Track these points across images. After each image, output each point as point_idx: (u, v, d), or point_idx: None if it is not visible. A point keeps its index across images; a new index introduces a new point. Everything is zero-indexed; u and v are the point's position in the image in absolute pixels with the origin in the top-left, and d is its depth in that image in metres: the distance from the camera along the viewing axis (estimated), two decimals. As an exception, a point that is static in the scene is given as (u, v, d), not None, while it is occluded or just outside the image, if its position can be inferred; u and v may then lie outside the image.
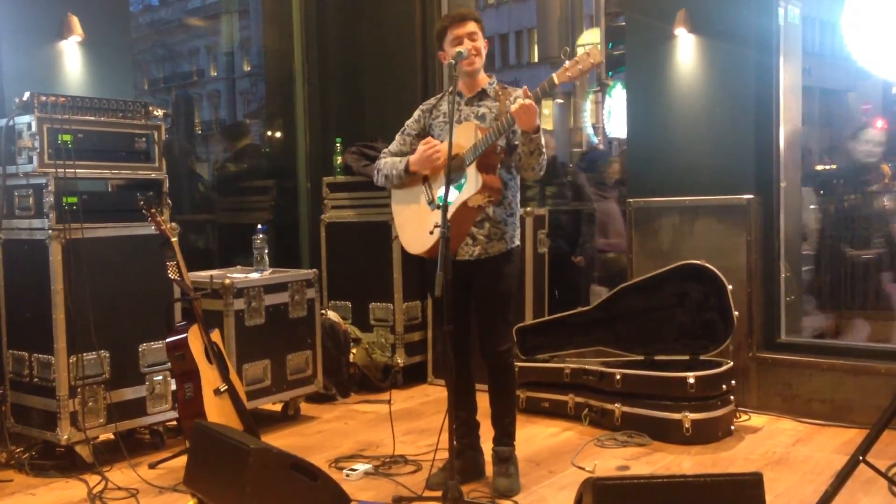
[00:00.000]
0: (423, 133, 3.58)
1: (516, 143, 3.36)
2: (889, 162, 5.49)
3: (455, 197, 3.23)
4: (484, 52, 3.45)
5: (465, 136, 3.27)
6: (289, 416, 4.74)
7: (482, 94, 3.49)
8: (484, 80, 3.51)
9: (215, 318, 4.22)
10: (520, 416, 3.71)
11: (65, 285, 3.76)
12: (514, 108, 3.17)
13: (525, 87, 3.23)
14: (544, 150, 3.32)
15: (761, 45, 4.65)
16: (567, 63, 3.17)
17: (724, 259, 4.56)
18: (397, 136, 3.64)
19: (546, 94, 3.19)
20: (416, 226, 3.43)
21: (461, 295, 3.39)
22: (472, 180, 3.23)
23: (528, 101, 3.15)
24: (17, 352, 3.98)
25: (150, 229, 3.82)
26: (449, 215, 3.10)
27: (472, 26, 3.41)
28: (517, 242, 3.53)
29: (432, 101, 3.64)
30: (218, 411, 3.68)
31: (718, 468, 3.74)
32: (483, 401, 3.60)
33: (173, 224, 3.88)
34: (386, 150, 3.64)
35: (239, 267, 5.06)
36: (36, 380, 3.87)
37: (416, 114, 3.63)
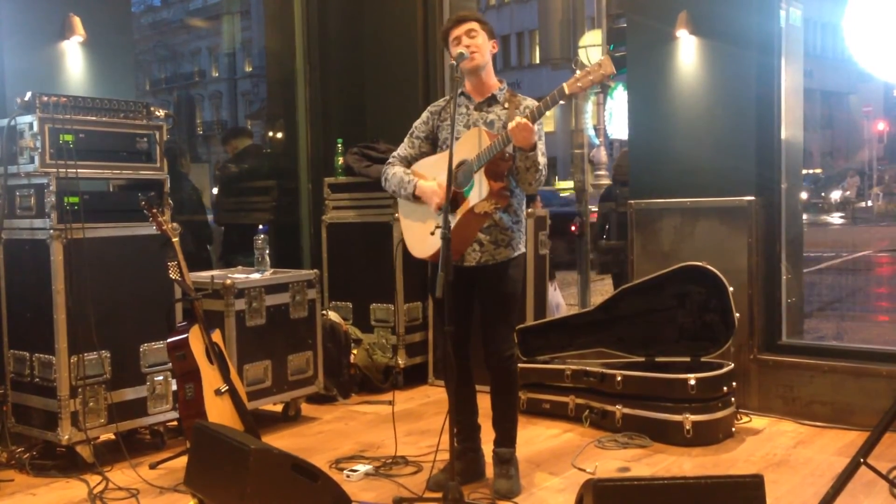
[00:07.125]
0: (432, 135, 3.53)
1: None
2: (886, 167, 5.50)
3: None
4: (489, 51, 3.40)
5: (472, 142, 3.23)
6: (289, 417, 4.73)
7: (492, 100, 3.46)
8: (494, 84, 3.47)
9: (216, 319, 4.22)
10: (521, 418, 3.71)
11: (66, 285, 3.76)
12: (510, 126, 3.12)
13: (539, 104, 3.16)
14: (541, 166, 3.26)
15: (763, 47, 4.64)
16: (578, 73, 3.13)
17: (725, 261, 4.56)
18: (406, 139, 3.58)
19: (555, 103, 3.12)
20: (422, 230, 3.40)
21: (464, 298, 3.38)
22: (480, 187, 3.19)
23: (523, 121, 3.09)
24: (18, 352, 3.98)
25: (152, 229, 3.82)
26: (454, 222, 3.08)
27: (470, 25, 3.38)
28: (523, 249, 3.51)
29: (441, 102, 3.59)
30: (219, 412, 3.68)
31: (719, 470, 3.73)
32: (484, 402, 3.60)
33: (174, 224, 3.88)
34: (395, 154, 3.57)
35: (240, 267, 5.06)
36: (37, 380, 3.87)
37: (425, 115, 3.57)
